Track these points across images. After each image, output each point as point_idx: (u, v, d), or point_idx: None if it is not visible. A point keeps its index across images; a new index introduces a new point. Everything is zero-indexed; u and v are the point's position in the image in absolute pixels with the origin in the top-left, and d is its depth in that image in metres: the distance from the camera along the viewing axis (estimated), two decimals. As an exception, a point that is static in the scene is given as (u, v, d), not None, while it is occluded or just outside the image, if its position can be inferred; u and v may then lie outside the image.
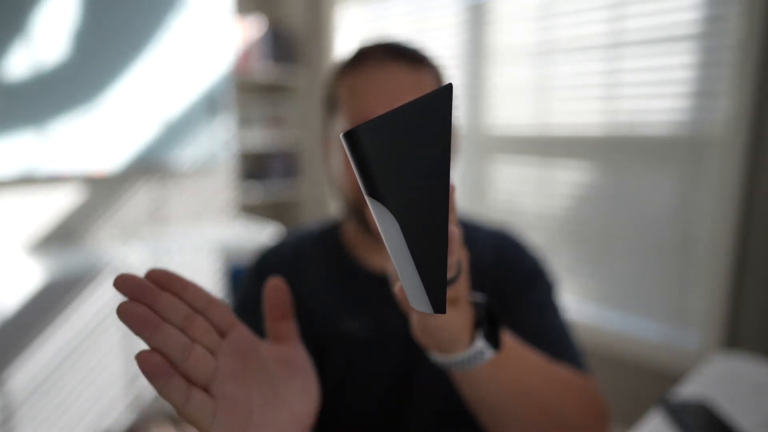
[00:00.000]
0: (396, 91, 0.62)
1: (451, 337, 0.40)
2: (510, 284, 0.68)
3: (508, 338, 0.48)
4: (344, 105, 0.64)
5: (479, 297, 0.46)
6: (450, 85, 0.23)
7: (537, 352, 0.63)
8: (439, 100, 0.23)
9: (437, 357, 0.43)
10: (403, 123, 0.23)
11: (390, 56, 0.63)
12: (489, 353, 0.42)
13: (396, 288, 0.37)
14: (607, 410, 0.57)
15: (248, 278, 0.73)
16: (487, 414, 0.48)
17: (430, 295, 0.25)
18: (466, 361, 0.42)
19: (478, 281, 0.69)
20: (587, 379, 0.57)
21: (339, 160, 0.66)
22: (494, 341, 0.43)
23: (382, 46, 0.65)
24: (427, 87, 0.64)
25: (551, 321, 0.66)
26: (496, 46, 2.01)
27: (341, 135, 0.24)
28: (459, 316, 0.39)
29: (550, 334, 0.64)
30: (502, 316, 0.68)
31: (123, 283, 0.31)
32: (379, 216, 0.25)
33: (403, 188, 0.24)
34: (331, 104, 0.68)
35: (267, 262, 0.73)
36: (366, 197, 0.25)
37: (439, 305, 0.26)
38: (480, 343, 0.42)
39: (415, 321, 0.41)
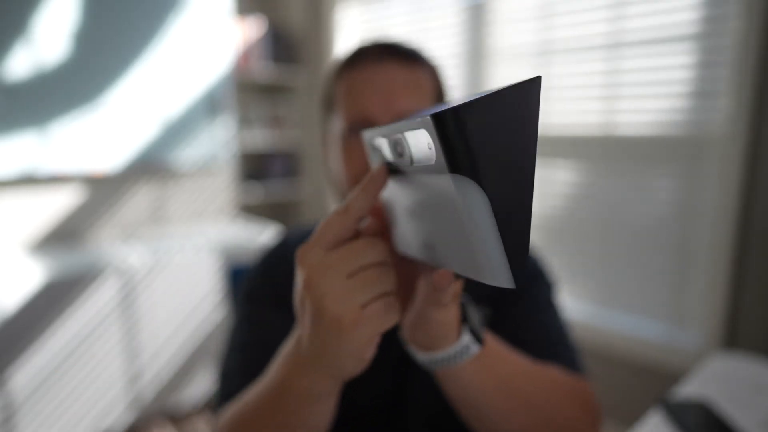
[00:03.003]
0: (392, 89, 0.62)
1: (443, 332, 0.40)
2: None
3: (489, 337, 0.48)
4: (341, 104, 0.65)
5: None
6: (539, 77, 0.26)
7: (523, 354, 0.63)
8: (529, 88, 0.26)
9: (423, 356, 0.43)
10: (497, 108, 0.26)
11: (385, 55, 0.64)
12: (474, 348, 0.43)
13: (436, 273, 0.35)
14: (598, 410, 0.57)
15: (253, 275, 0.73)
16: (473, 414, 0.48)
17: (513, 268, 0.27)
18: (453, 356, 0.42)
19: (477, 281, 0.69)
20: (580, 380, 0.57)
21: (338, 158, 0.66)
22: (477, 338, 0.44)
23: (378, 45, 0.65)
24: (424, 85, 0.65)
25: (549, 321, 0.66)
26: (495, 46, 2.01)
27: (447, 111, 0.26)
28: (453, 311, 0.40)
29: (548, 334, 0.65)
30: (477, 314, 0.68)
31: None
32: (463, 194, 0.27)
33: (494, 167, 0.26)
34: (328, 104, 0.69)
35: (272, 260, 0.74)
36: (451, 176, 0.27)
37: (520, 278, 0.28)
38: (466, 338, 0.42)
39: (411, 317, 0.41)
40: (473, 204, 0.27)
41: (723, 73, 1.49)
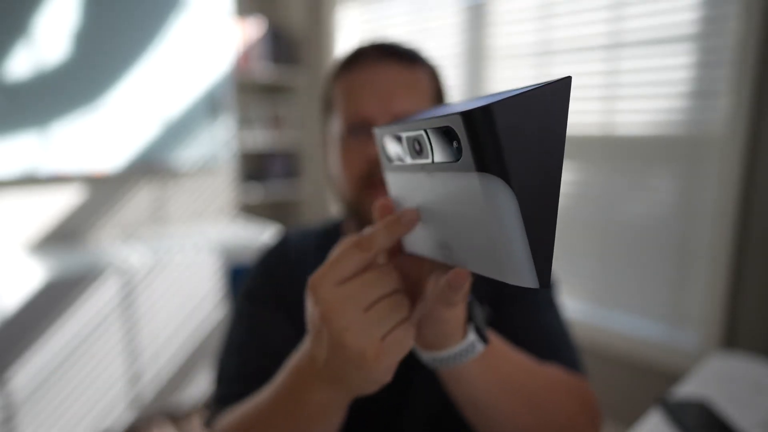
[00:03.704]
0: (391, 90, 0.62)
1: (449, 331, 0.40)
2: (509, 283, 0.69)
3: (493, 336, 0.48)
4: (340, 105, 0.65)
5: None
6: (569, 77, 0.26)
7: (525, 353, 0.63)
8: (559, 89, 0.26)
9: (427, 355, 0.44)
10: (527, 107, 0.25)
11: (384, 56, 0.64)
12: (480, 346, 0.43)
13: (452, 273, 0.35)
14: (599, 410, 0.57)
15: (253, 275, 0.74)
16: (476, 412, 0.48)
17: (538, 268, 0.27)
18: (458, 355, 0.42)
19: (478, 280, 0.69)
20: (580, 380, 0.58)
21: (337, 160, 0.67)
22: (482, 336, 0.44)
23: (376, 46, 0.66)
24: (423, 85, 0.65)
25: (550, 321, 0.66)
26: (495, 46, 2.01)
27: (477, 109, 0.25)
28: (461, 310, 0.40)
29: (549, 334, 0.65)
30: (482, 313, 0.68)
31: None
32: (490, 193, 0.27)
33: (522, 167, 0.26)
34: (327, 105, 0.69)
35: (271, 259, 0.74)
36: (478, 174, 0.27)
37: (545, 278, 0.28)
38: (472, 336, 0.42)
39: (417, 317, 0.41)
40: (500, 203, 0.27)
41: (722, 73, 1.49)
